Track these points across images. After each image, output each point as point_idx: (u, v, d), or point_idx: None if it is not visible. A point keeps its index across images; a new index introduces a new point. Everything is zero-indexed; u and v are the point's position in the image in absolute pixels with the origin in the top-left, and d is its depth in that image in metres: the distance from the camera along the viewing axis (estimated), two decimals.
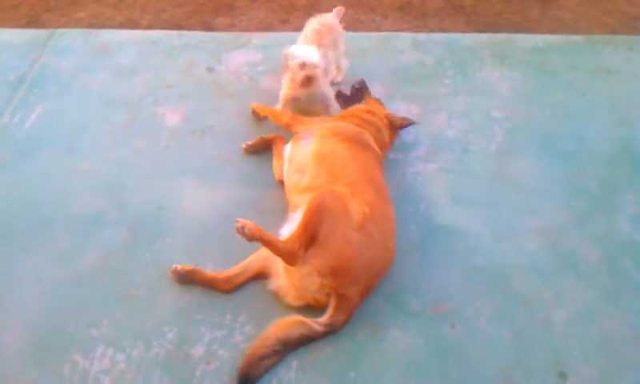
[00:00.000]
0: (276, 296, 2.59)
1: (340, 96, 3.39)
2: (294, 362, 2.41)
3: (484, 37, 4.21)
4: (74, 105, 3.58)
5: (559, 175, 3.20)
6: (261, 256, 2.65)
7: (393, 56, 3.97)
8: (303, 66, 3.12)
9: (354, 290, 2.46)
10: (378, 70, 3.81)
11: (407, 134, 3.35)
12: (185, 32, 4.24)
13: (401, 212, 2.82)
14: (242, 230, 2.38)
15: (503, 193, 3.11)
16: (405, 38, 4.16)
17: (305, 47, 3.24)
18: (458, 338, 2.52)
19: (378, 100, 3.39)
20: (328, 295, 2.47)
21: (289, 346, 2.40)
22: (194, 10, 4.61)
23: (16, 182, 3.12)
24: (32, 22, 4.46)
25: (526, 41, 4.15)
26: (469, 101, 3.64)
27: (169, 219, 2.94)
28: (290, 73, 3.20)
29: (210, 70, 3.85)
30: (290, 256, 2.42)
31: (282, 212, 2.79)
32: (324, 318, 2.44)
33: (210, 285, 2.64)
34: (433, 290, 2.68)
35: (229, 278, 2.63)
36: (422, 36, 4.20)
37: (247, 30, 4.36)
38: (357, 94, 3.35)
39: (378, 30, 4.40)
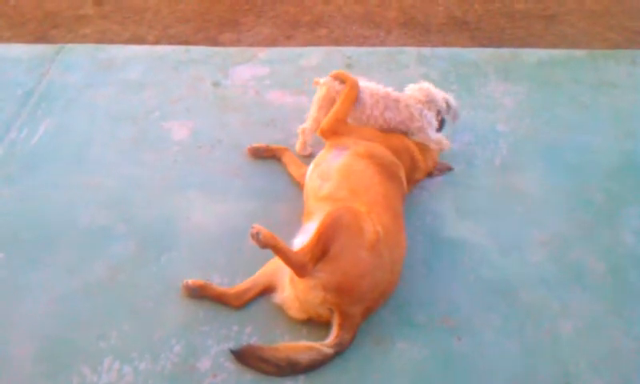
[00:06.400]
0: (281, 309, 2.60)
1: None
2: (300, 375, 2.41)
3: (488, 51, 4.24)
4: (81, 119, 3.61)
5: (564, 188, 3.21)
6: (268, 270, 2.67)
7: (398, 70, 4.00)
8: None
9: (356, 308, 2.45)
10: (383, 84, 3.81)
11: None
12: (191, 47, 4.28)
13: (407, 225, 2.82)
14: (256, 236, 2.38)
15: (508, 205, 3.12)
16: (409, 53, 4.19)
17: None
18: (465, 351, 2.52)
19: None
20: (330, 310, 2.47)
21: (295, 369, 2.40)
22: (200, 26, 4.65)
23: (24, 195, 3.14)
24: (39, 39, 4.50)
25: (530, 55, 4.17)
26: (473, 114, 3.66)
27: (177, 232, 2.95)
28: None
29: (217, 84, 3.88)
30: (300, 267, 2.42)
31: (291, 225, 2.79)
32: (330, 340, 2.43)
33: (220, 300, 2.65)
34: (439, 302, 2.68)
35: (239, 294, 2.64)
36: (427, 51, 4.23)
37: (253, 45, 4.39)
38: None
39: (383, 45, 4.44)
